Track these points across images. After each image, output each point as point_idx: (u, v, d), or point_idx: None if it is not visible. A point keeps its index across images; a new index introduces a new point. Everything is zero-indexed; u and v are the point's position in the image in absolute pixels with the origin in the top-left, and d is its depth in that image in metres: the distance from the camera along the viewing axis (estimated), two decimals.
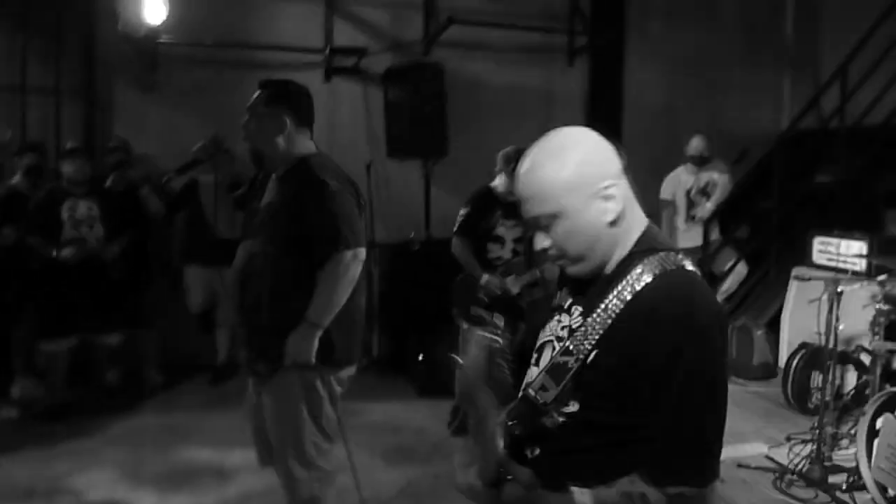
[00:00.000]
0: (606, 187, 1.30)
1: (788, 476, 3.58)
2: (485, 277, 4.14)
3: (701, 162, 5.60)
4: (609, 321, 1.27)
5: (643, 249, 1.32)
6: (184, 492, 3.65)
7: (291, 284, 2.48)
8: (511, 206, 3.99)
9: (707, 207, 5.25)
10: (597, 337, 1.28)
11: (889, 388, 3.58)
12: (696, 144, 5.59)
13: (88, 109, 5.41)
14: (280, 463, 2.57)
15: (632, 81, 6.24)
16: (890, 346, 3.74)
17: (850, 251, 4.79)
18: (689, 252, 5.65)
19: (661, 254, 1.30)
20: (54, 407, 4.57)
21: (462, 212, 4.24)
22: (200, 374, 5.31)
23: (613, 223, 1.31)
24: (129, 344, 4.94)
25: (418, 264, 5.49)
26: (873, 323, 3.77)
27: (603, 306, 1.29)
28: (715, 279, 5.51)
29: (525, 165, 1.34)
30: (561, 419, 1.32)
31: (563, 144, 1.33)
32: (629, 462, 1.23)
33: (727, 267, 5.67)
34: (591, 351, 1.28)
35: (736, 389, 4.98)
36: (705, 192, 5.44)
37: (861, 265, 4.54)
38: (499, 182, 4.22)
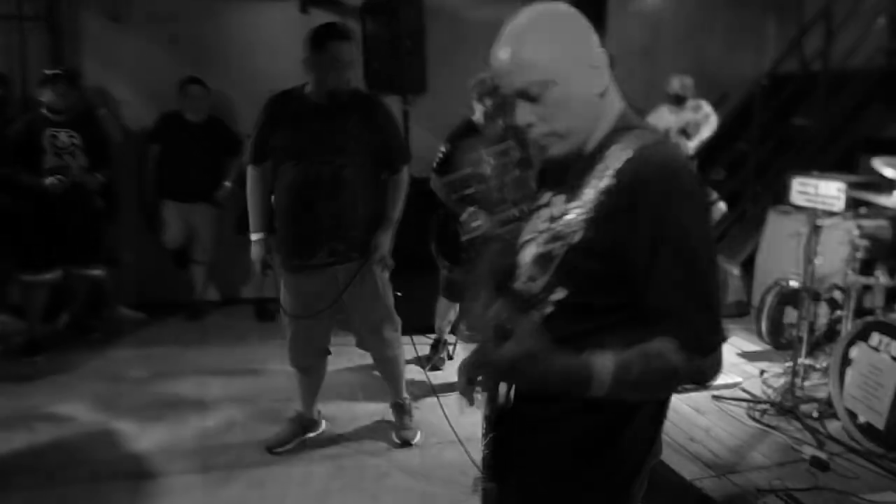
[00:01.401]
0: (598, 56, 1.30)
1: (762, 406, 3.65)
2: (466, 213, 4.10)
3: (678, 101, 5.56)
4: (593, 201, 1.25)
5: (622, 127, 1.32)
6: (164, 422, 3.65)
7: (375, 190, 3.16)
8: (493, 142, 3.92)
9: (689, 146, 5.22)
10: (582, 218, 1.26)
11: (865, 318, 3.65)
12: (674, 83, 5.55)
13: (54, 39, 5.19)
14: (375, 332, 3.32)
15: (615, 21, 6.12)
16: (864, 280, 3.80)
17: (829, 191, 4.81)
18: None
19: (638, 130, 1.30)
20: (32, 341, 4.51)
21: (442, 148, 4.17)
22: (177, 310, 5.25)
23: (601, 95, 1.31)
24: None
25: None
26: (849, 259, 3.82)
27: (586, 187, 1.27)
28: None
29: (512, 34, 1.28)
30: (549, 309, 1.30)
31: (551, 12, 1.31)
32: (626, 341, 1.22)
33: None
34: (577, 233, 1.26)
35: None
36: (685, 131, 5.41)
37: (839, 204, 4.57)
38: (478, 113, 4.15)
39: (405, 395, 3.58)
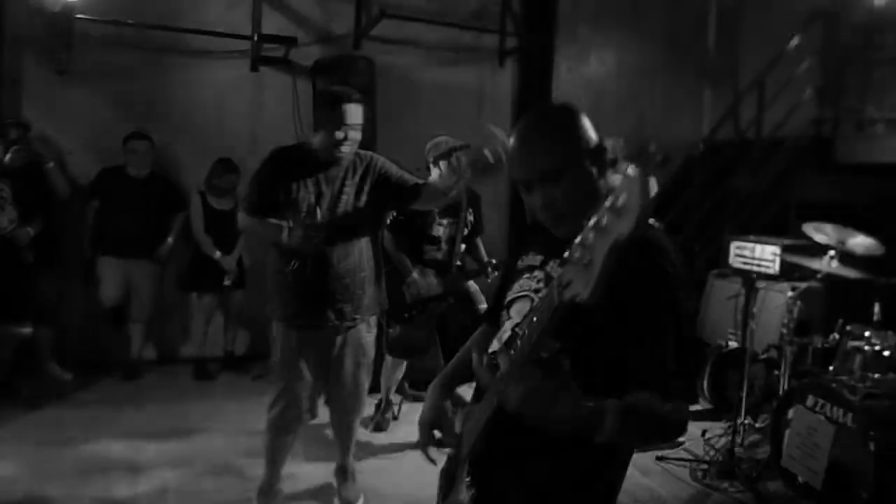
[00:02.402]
0: (600, 152, 1.46)
1: (703, 466, 3.68)
2: (413, 276, 4.09)
3: (612, 164, 5.71)
4: None
5: None
6: (94, 486, 3.45)
7: (371, 253, 3.18)
8: (448, 205, 3.93)
9: None
10: None
11: (801, 381, 3.74)
12: (609, 145, 5.71)
13: None
14: (358, 391, 3.31)
15: (560, 84, 6.33)
16: (799, 341, 3.92)
17: (765, 254, 4.99)
18: None
19: None
20: None
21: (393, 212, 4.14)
22: (113, 369, 5.06)
23: (600, 178, 1.46)
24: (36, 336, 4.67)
25: None
26: (785, 320, 3.93)
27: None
28: None
29: (530, 126, 1.46)
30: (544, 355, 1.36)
31: (564, 108, 1.50)
32: (615, 393, 1.29)
33: None
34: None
35: None
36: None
37: (775, 267, 4.74)
38: (434, 176, 4.17)
39: (351, 457, 3.51)
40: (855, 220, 5.26)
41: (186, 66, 5.40)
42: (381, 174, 3.14)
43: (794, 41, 5.59)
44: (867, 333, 3.48)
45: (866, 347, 3.37)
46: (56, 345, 4.84)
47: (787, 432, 3.40)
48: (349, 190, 3.06)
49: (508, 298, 1.55)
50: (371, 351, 3.30)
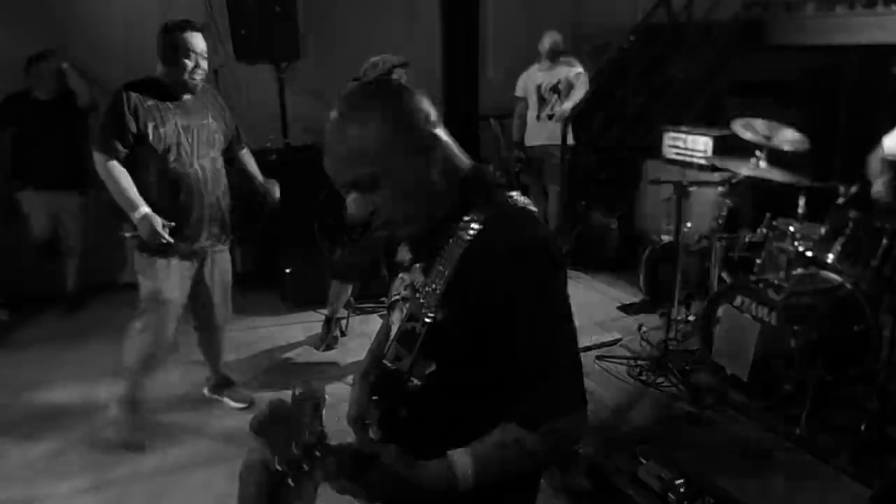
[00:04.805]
0: (423, 138, 1.25)
1: (640, 363, 3.90)
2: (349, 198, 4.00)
3: (552, 57, 5.59)
4: (445, 278, 1.26)
5: (471, 195, 1.30)
6: (48, 436, 3.46)
7: (227, 178, 3.33)
8: None
9: (564, 107, 5.30)
10: (438, 296, 1.27)
11: (727, 281, 3.92)
12: (547, 40, 5.57)
13: None
14: (228, 311, 3.57)
15: None
16: (728, 236, 4.07)
17: (697, 146, 5.08)
18: (543, 149, 5.74)
19: (489, 196, 1.30)
20: None
21: None
22: (49, 305, 4.96)
23: (437, 175, 1.27)
24: None
25: (277, 174, 5.24)
26: (715, 217, 4.06)
27: (439, 263, 1.28)
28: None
29: (330, 126, 1.23)
30: (421, 382, 1.31)
31: (369, 97, 1.26)
32: (498, 412, 1.25)
33: None
34: (434, 312, 1.27)
35: (592, 282, 5.29)
36: (556, 89, 5.47)
37: (706, 159, 4.85)
38: None
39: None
40: (785, 95, 5.38)
41: None
42: (221, 114, 3.30)
43: None
44: (792, 228, 3.63)
45: (790, 248, 3.52)
46: None
47: (717, 329, 3.59)
48: (210, 118, 3.18)
49: (390, 299, 1.45)
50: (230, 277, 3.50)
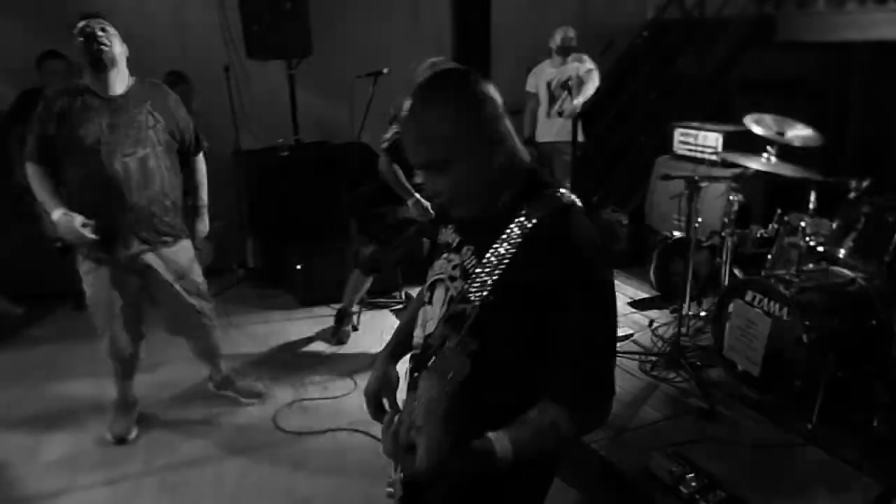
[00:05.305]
0: (495, 129, 1.33)
1: (652, 358, 3.89)
2: (413, 199, 3.93)
3: (564, 53, 5.58)
4: (501, 266, 1.31)
5: (528, 190, 1.36)
6: (62, 431, 3.50)
7: (177, 178, 3.24)
8: None
9: (575, 104, 5.31)
10: (491, 283, 1.32)
11: (738, 276, 3.91)
12: (558, 35, 5.56)
13: None
14: (189, 311, 3.41)
15: None
16: (739, 232, 4.06)
17: (708, 142, 5.06)
18: (553, 146, 5.73)
19: (546, 193, 1.35)
20: None
21: (393, 128, 3.94)
22: (62, 301, 4.99)
23: (502, 164, 1.35)
24: None
25: (289, 170, 5.29)
26: (726, 212, 4.05)
27: (494, 251, 1.33)
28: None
29: (410, 110, 1.33)
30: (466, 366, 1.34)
31: (447, 86, 1.35)
32: (534, 395, 1.31)
33: None
34: (487, 297, 1.32)
35: None
36: (566, 85, 5.47)
37: (717, 155, 4.83)
38: (390, 133, 3.98)
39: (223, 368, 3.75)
40: (797, 91, 5.37)
41: None
42: (168, 113, 3.13)
43: None
44: (803, 223, 3.61)
45: (801, 243, 3.51)
46: None
47: (728, 325, 3.58)
48: (145, 115, 3.04)
49: (430, 279, 1.51)
50: (197, 271, 3.37)
